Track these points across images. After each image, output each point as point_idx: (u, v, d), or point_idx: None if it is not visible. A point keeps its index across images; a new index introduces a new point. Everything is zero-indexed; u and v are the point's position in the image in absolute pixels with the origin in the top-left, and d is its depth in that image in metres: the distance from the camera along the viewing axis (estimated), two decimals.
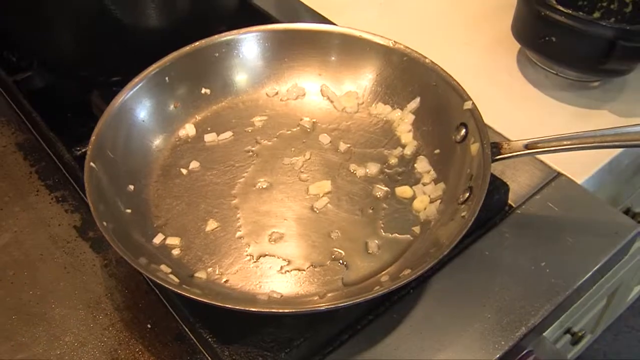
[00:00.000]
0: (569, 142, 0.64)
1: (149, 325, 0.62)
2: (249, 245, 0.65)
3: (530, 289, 0.64)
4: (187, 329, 0.62)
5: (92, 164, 0.64)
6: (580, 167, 0.77)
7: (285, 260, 0.64)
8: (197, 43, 0.77)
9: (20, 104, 0.82)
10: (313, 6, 1.03)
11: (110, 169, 0.67)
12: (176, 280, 0.60)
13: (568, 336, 1.28)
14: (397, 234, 0.66)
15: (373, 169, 0.72)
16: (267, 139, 0.76)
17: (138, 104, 0.73)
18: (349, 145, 0.74)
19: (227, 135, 0.76)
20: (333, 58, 0.80)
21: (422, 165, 0.72)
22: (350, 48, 0.78)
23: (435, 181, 0.70)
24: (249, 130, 0.77)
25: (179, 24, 0.83)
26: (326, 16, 1.00)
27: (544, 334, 0.75)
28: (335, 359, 0.60)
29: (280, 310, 0.55)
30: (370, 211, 0.68)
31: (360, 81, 0.79)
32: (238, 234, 0.66)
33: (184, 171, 0.72)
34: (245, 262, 0.64)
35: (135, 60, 0.76)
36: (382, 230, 0.66)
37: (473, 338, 0.61)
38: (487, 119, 0.68)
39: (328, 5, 1.02)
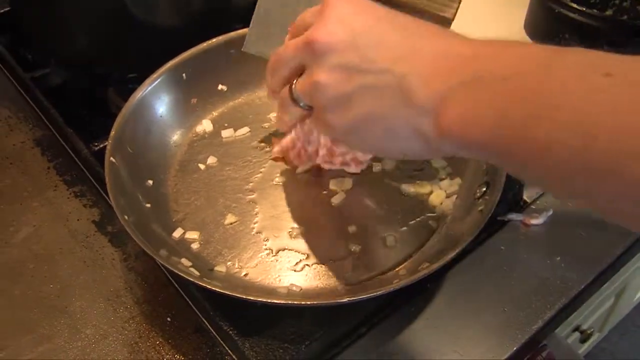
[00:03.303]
0: None
1: (168, 318, 0.63)
2: (268, 240, 0.66)
3: (546, 283, 0.65)
4: (206, 322, 0.62)
5: (112, 158, 0.65)
6: None
7: (303, 254, 0.65)
8: (213, 40, 0.78)
9: (38, 100, 0.83)
10: None
11: (130, 164, 0.68)
12: (197, 273, 0.60)
13: (577, 334, 1.28)
14: (414, 229, 0.67)
15: (389, 164, 0.72)
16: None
17: (157, 99, 0.74)
18: None
19: (244, 130, 0.77)
20: None
21: (437, 160, 0.72)
22: None
23: (451, 176, 0.71)
24: (266, 126, 0.77)
25: (194, 21, 0.84)
26: None
27: (555, 331, 0.75)
28: (354, 351, 0.60)
29: (302, 303, 0.56)
30: (387, 206, 0.69)
31: None
32: (257, 228, 0.67)
33: (202, 166, 0.73)
34: (264, 256, 0.64)
35: (152, 57, 0.76)
36: (399, 225, 0.67)
37: (489, 331, 0.62)
38: None
39: None
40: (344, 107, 0.49)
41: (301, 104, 0.53)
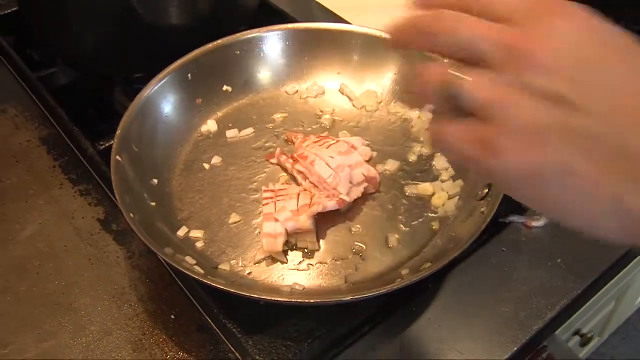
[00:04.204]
0: None
1: (172, 316, 0.63)
2: None
3: (547, 285, 0.65)
4: (210, 320, 0.63)
5: (118, 157, 0.66)
6: None
7: (307, 253, 0.65)
8: (219, 41, 0.79)
9: (45, 99, 0.84)
10: (332, 8, 1.04)
11: (135, 163, 0.68)
12: (201, 271, 0.61)
13: (577, 338, 1.28)
14: (417, 229, 0.67)
15: (392, 166, 0.73)
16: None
17: (162, 99, 0.74)
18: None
19: (249, 131, 0.77)
20: (355, 58, 0.81)
21: (440, 162, 0.73)
22: (372, 48, 0.79)
23: (454, 178, 0.71)
24: (270, 127, 0.78)
25: (200, 23, 0.84)
26: (344, 18, 1.01)
27: (556, 333, 0.76)
28: (356, 350, 0.61)
29: (306, 301, 0.56)
30: (391, 207, 0.69)
31: (381, 80, 0.80)
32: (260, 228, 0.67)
33: (207, 166, 0.74)
34: (268, 256, 0.65)
35: (158, 57, 0.77)
36: (402, 226, 0.68)
37: (491, 331, 0.62)
38: None
39: (345, 6, 1.03)
40: (534, 142, 0.36)
41: (458, 100, 0.37)
